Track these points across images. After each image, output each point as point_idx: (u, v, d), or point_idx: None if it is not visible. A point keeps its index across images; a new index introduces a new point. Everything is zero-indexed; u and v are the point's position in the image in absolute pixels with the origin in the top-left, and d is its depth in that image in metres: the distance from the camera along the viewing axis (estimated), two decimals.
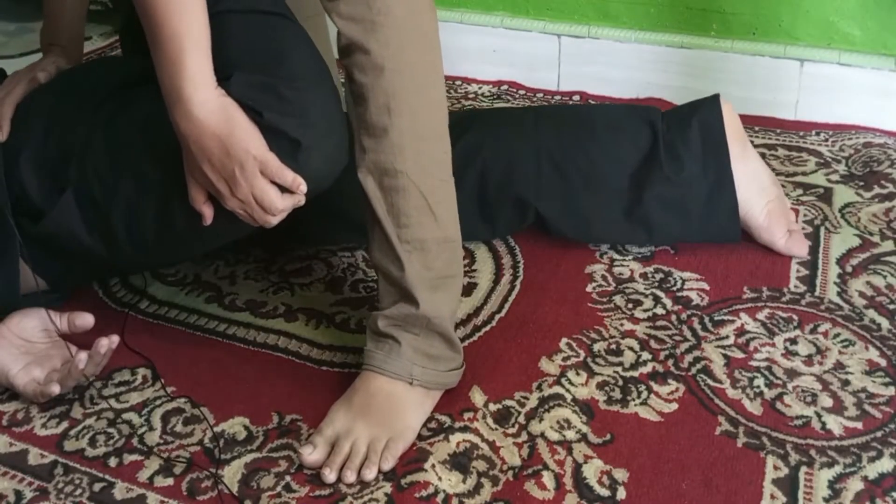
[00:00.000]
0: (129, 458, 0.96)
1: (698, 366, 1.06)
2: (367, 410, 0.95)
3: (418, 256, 0.96)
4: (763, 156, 1.52)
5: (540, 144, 1.23)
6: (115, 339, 1.00)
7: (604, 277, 1.22)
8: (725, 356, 1.07)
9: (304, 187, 0.89)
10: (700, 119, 1.23)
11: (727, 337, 1.10)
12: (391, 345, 0.97)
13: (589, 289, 1.20)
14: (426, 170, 0.95)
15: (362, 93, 0.92)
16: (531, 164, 1.22)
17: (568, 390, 1.03)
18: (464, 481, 0.91)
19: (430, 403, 0.99)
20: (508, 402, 1.01)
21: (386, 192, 0.94)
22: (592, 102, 1.75)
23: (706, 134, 1.22)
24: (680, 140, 1.22)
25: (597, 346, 1.09)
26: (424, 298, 0.96)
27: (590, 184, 1.23)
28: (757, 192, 1.24)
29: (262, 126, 0.87)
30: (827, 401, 1.00)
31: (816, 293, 1.17)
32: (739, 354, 1.07)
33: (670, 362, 1.06)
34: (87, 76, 1.14)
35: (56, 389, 0.98)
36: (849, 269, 1.22)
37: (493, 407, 1.00)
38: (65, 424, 1.01)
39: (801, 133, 1.60)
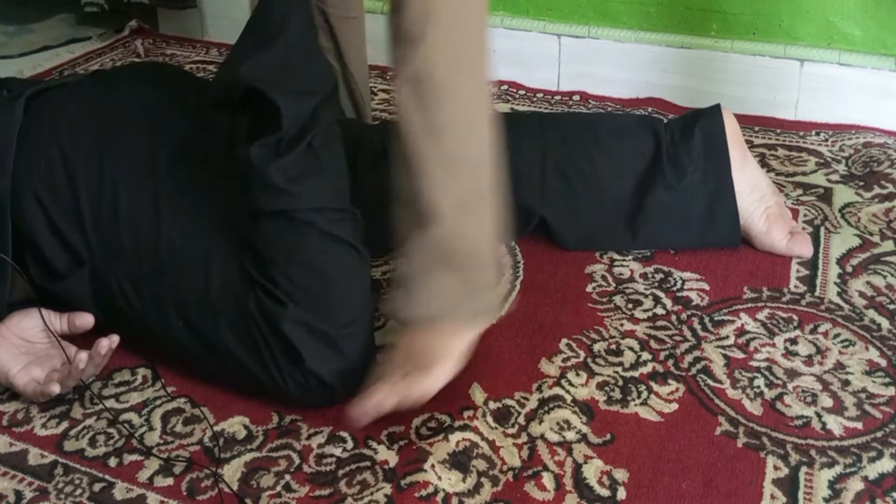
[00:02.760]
0: (129, 458, 0.96)
1: (698, 366, 1.06)
2: (411, 358, 0.94)
3: (449, 170, 0.92)
4: (763, 156, 1.52)
5: (545, 150, 1.23)
6: (115, 339, 1.00)
7: (604, 277, 1.22)
8: (725, 356, 1.07)
9: None
10: (702, 128, 1.24)
11: (727, 337, 1.10)
12: (419, 287, 0.95)
13: (589, 289, 1.20)
14: (464, 77, 0.92)
15: (400, 1, 0.90)
16: (536, 170, 1.23)
17: (568, 391, 1.03)
18: (463, 480, 0.91)
19: (471, 333, 0.96)
20: (508, 402, 1.01)
21: (420, 100, 0.91)
22: (592, 102, 1.75)
23: (708, 142, 1.23)
24: (682, 148, 1.23)
25: (597, 347, 1.09)
26: (447, 214, 0.92)
27: (593, 191, 1.23)
28: (756, 200, 1.24)
29: (301, 369, 0.94)
30: (827, 401, 1.00)
31: (816, 293, 1.17)
32: (739, 354, 1.07)
33: (670, 362, 1.06)
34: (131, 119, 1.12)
35: (56, 389, 0.98)
36: (849, 269, 1.22)
37: (492, 405, 1.00)
38: (65, 424, 1.01)
39: (801, 133, 1.60)
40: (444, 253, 0.93)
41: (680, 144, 1.23)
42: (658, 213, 1.23)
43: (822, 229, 1.31)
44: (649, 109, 1.69)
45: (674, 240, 1.26)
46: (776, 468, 0.91)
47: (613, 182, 1.23)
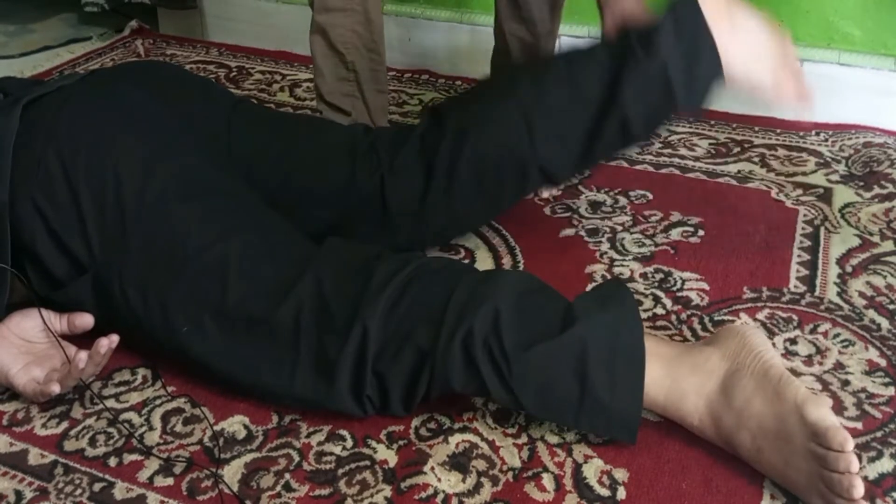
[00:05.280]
0: (129, 457, 0.96)
1: None
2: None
3: None
4: (763, 156, 1.52)
5: (522, 101, 1.17)
6: (115, 338, 1.00)
7: (604, 277, 1.22)
8: None
9: None
10: (675, 14, 1.11)
11: None
12: None
13: (589, 288, 1.20)
14: None
15: None
16: (520, 123, 1.16)
17: None
18: (463, 481, 0.91)
19: None
20: None
21: None
22: None
23: (680, 14, 1.11)
24: (652, 29, 1.12)
25: None
26: None
27: (577, 105, 1.15)
28: (755, 59, 1.12)
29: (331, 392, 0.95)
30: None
31: (816, 293, 1.17)
32: None
33: None
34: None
35: (56, 389, 0.98)
36: (849, 269, 1.22)
37: (492, 406, 1.00)
38: (65, 424, 1.01)
39: (801, 133, 1.60)
40: None
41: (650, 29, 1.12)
42: (639, 100, 1.12)
43: (822, 229, 1.31)
44: None
45: (661, 114, 1.16)
46: None
47: (591, 90, 1.14)
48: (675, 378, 0.92)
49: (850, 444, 0.80)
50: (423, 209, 1.18)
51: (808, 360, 1.05)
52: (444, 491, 0.90)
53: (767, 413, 0.87)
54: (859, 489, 0.80)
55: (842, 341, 1.09)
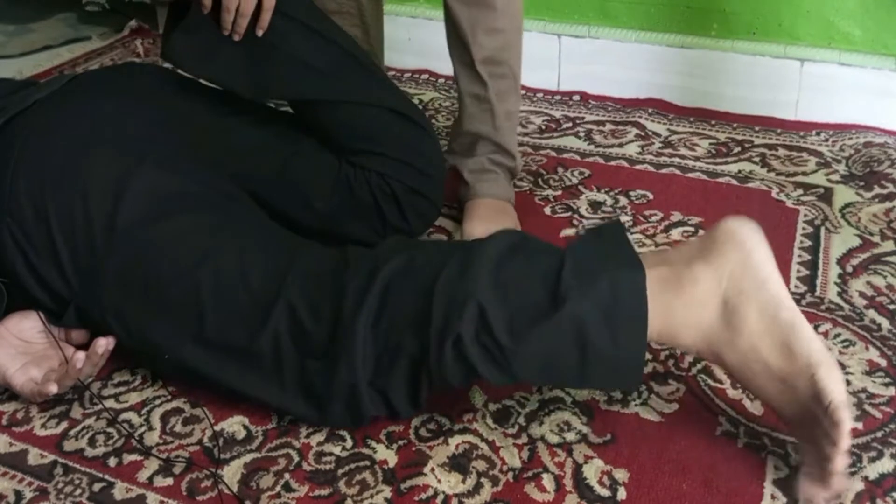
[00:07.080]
0: (128, 458, 0.96)
1: (698, 366, 1.05)
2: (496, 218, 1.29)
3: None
4: (763, 156, 1.52)
5: None
6: (113, 339, 1.00)
7: None
8: None
9: None
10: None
11: None
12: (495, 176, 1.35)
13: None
14: None
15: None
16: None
17: (568, 392, 1.02)
18: (463, 481, 0.91)
19: None
20: (508, 402, 1.01)
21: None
22: (592, 103, 1.75)
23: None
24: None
25: None
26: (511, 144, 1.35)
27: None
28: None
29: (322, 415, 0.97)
30: None
31: (817, 293, 1.17)
32: None
33: (670, 362, 1.06)
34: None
35: (53, 389, 0.98)
36: (849, 269, 1.22)
37: (492, 407, 1.00)
38: (64, 424, 1.01)
39: (802, 133, 1.60)
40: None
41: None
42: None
43: (823, 229, 1.31)
44: (649, 110, 1.69)
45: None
46: (776, 468, 0.91)
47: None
48: (666, 314, 0.87)
49: (848, 425, 0.80)
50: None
51: None
52: (444, 492, 0.90)
53: (775, 362, 0.84)
54: (842, 463, 0.81)
55: (842, 341, 1.08)
